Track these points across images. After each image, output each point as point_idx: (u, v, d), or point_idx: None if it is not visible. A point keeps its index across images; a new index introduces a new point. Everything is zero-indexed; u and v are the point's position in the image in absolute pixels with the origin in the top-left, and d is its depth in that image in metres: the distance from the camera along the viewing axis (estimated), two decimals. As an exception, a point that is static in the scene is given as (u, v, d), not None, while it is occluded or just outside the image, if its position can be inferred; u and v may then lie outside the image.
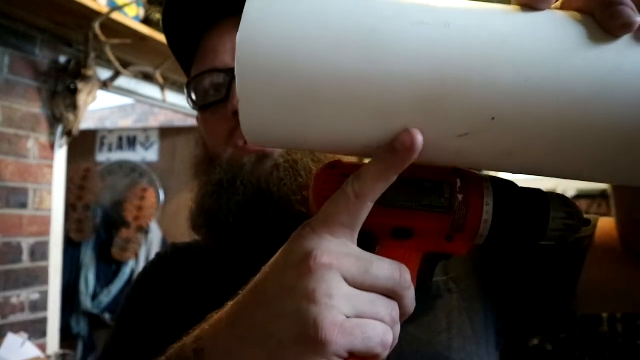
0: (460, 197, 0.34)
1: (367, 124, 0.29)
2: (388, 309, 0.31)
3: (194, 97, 0.54)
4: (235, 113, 0.49)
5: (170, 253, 0.64)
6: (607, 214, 0.50)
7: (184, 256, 0.62)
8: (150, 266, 0.64)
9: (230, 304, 0.35)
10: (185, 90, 0.55)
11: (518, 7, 0.29)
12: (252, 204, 0.48)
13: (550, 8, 0.29)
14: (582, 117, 0.27)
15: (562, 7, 0.30)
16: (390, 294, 0.31)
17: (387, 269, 0.31)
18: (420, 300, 0.50)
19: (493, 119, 0.28)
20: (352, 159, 0.36)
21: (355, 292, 0.30)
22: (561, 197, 0.35)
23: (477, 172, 0.35)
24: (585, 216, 0.36)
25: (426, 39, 0.27)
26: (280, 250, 0.33)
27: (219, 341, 0.34)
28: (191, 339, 0.36)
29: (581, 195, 2.41)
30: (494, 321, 0.53)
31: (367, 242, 0.34)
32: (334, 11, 0.28)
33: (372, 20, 0.27)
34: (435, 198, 0.34)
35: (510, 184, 0.36)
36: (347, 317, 0.29)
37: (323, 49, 0.27)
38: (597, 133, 0.28)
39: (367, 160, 0.33)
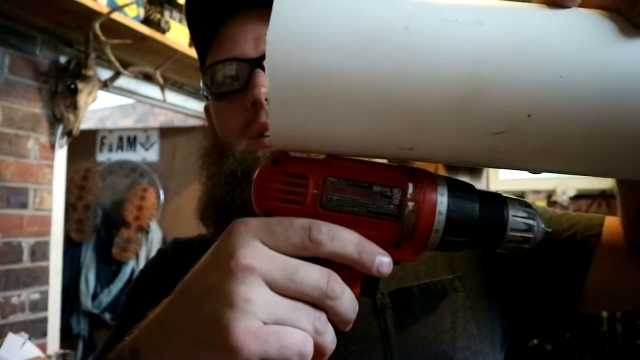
0: (410, 204, 0.31)
1: (401, 124, 0.29)
2: (310, 317, 0.29)
3: (209, 84, 0.53)
4: (254, 104, 0.48)
5: (170, 249, 0.63)
6: (607, 214, 0.50)
7: (185, 251, 0.61)
8: (151, 263, 0.63)
9: (165, 301, 0.34)
10: (202, 77, 0.54)
11: (544, 6, 0.29)
12: None
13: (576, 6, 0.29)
14: (617, 112, 0.27)
15: (583, 6, 0.30)
16: (317, 302, 0.29)
17: (313, 277, 0.29)
18: (425, 299, 0.50)
19: (529, 116, 0.27)
20: (297, 153, 0.33)
21: (276, 298, 0.29)
22: (521, 205, 0.33)
23: (434, 174, 0.33)
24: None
25: (461, 37, 0.27)
26: (212, 246, 0.32)
27: (152, 340, 0.33)
28: (130, 338, 0.35)
29: (581, 195, 2.41)
30: (500, 320, 0.53)
31: None
32: (365, 10, 0.27)
33: (406, 19, 0.27)
34: (384, 204, 0.31)
35: (469, 188, 0.33)
36: (265, 324, 0.28)
37: (356, 51, 0.27)
38: (632, 128, 0.28)
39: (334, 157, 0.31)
